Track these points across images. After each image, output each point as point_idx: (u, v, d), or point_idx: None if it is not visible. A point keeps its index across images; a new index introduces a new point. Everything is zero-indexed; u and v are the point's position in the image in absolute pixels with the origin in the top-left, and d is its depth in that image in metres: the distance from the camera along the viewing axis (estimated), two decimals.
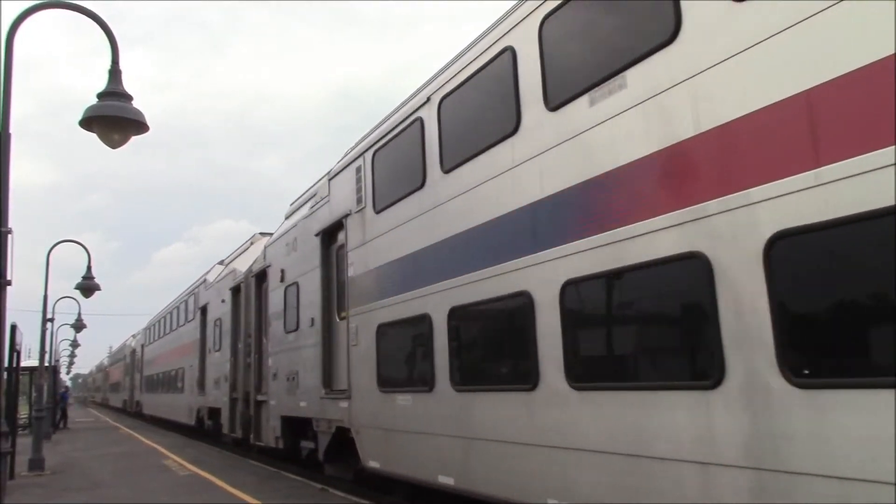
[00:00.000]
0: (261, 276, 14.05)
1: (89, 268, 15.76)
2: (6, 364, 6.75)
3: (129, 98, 5.95)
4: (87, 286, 15.73)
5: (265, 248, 13.73)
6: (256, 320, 14.36)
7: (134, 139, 6.12)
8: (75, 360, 62.79)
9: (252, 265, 14.94)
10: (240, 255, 17.79)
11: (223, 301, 17.23)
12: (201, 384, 19.87)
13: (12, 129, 5.67)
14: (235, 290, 16.19)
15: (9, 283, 5.51)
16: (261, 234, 17.19)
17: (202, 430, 20.57)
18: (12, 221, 5.64)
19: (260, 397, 13.69)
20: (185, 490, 11.08)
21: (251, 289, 14.69)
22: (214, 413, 18.36)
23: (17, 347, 13.94)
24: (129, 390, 41.75)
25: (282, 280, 12.18)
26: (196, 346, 20.66)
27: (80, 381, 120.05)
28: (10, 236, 5.53)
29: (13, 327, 11.75)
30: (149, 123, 6.03)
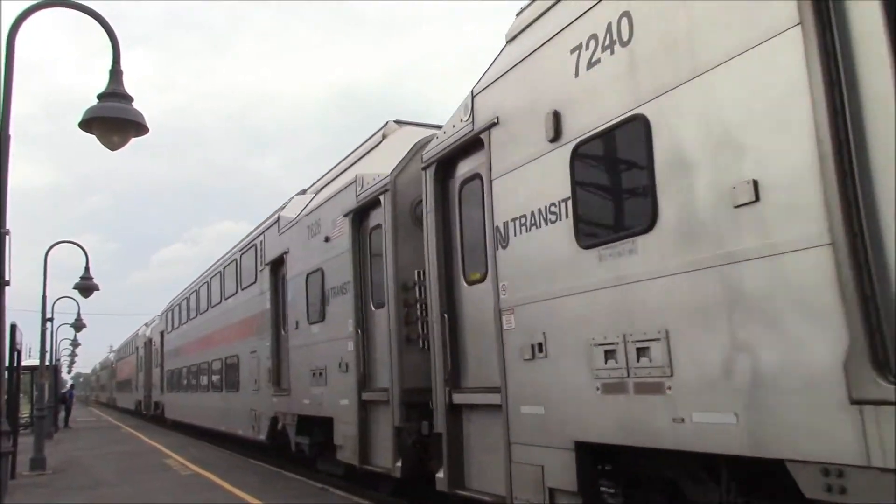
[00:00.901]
0: (448, 163, 7.22)
1: (87, 268, 15.81)
2: (7, 363, 6.75)
3: (129, 99, 5.93)
4: (86, 286, 15.79)
5: (472, 95, 6.66)
6: (442, 250, 7.26)
7: (135, 140, 6.11)
8: (76, 359, 62.91)
9: (427, 148, 7.63)
10: (360, 159, 10.53)
11: (326, 239, 10.24)
12: (277, 378, 12.60)
13: (13, 131, 5.69)
14: (360, 215, 9.28)
15: (7, 283, 5.53)
16: (396, 122, 10.24)
17: (280, 451, 13.14)
18: (12, 222, 5.65)
19: (462, 398, 6.85)
20: (186, 490, 11.09)
21: (426, 195, 7.43)
22: (312, 424, 10.92)
23: (18, 347, 13.96)
24: (145, 389, 33.25)
25: (555, 137, 5.36)
26: (262, 322, 13.42)
27: (80, 379, 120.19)
28: (8, 237, 5.54)
29: (13, 327, 11.76)
30: (149, 124, 6.01)
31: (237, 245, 16.33)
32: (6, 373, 6.49)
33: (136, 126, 5.88)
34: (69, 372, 69.47)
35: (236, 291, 15.86)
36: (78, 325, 25.40)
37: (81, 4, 6.25)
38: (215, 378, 17.90)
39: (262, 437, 13.35)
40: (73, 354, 53.79)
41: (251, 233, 15.19)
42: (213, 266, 19.03)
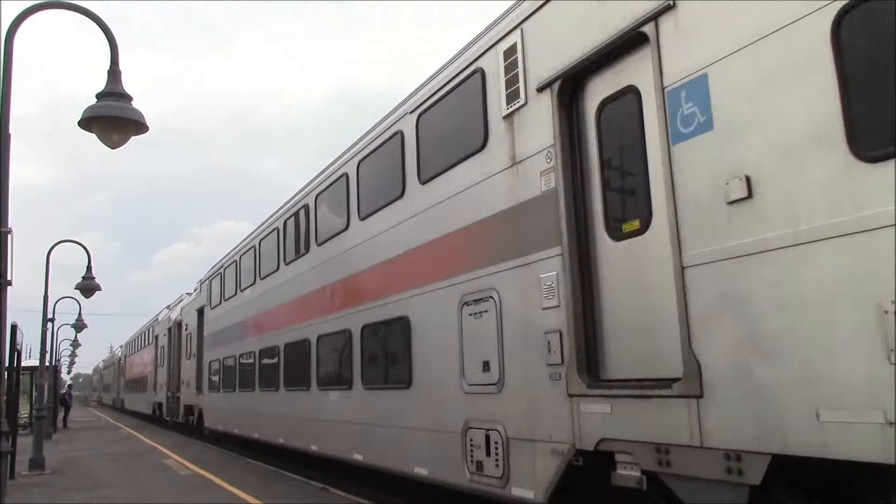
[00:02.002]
0: None
1: (89, 267, 15.78)
2: (7, 364, 6.76)
3: (128, 98, 5.96)
4: (87, 286, 15.75)
5: None
6: None
7: (137, 140, 6.14)
8: (76, 359, 62.88)
9: None
10: None
11: None
12: (586, 356, 5.49)
13: (14, 129, 5.72)
14: None
15: (9, 283, 5.54)
16: None
17: None
18: (13, 221, 5.66)
19: None
20: (185, 489, 11.09)
21: None
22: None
23: (18, 347, 13.96)
24: (169, 388, 25.79)
25: None
26: (514, 234, 6.33)
27: (80, 380, 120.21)
28: (10, 236, 5.55)
29: (14, 327, 11.76)
30: (151, 124, 6.06)
31: (405, 102, 8.66)
32: (6, 373, 6.50)
33: (135, 124, 5.91)
34: (69, 372, 69.46)
35: (400, 194, 8.43)
36: (79, 326, 25.36)
37: (80, 6, 6.28)
38: (332, 367, 10.61)
39: (533, 495, 5.89)
40: (73, 355, 53.77)
41: (456, 56, 7.60)
42: (319, 176, 11.40)
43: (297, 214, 12.30)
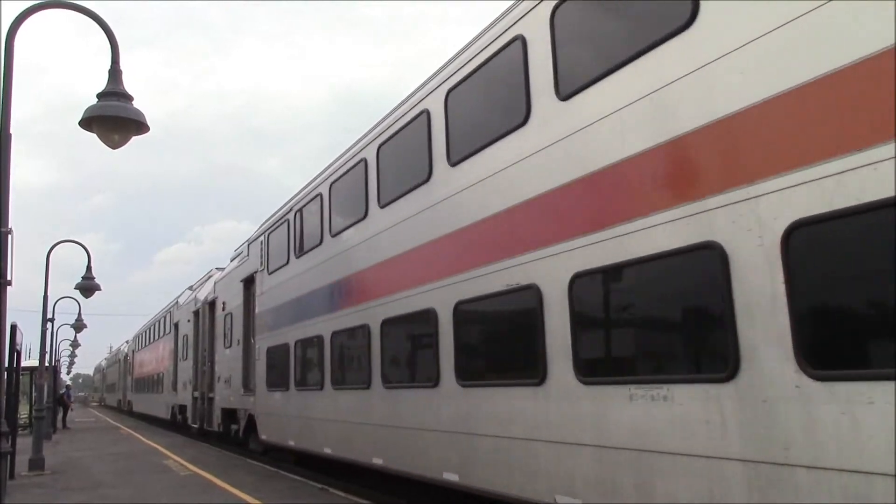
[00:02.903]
0: None
1: (89, 267, 15.78)
2: (6, 364, 6.76)
3: (129, 98, 5.95)
4: (87, 286, 15.74)
5: None
6: None
7: (138, 140, 6.13)
8: (75, 360, 62.80)
9: None
10: None
11: None
12: None
13: (15, 131, 5.70)
14: None
15: (9, 283, 5.52)
16: None
17: None
18: (14, 221, 5.66)
19: None
20: (185, 490, 11.08)
21: None
22: None
23: (18, 347, 13.95)
24: (196, 387, 20.64)
25: None
26: None
27: (80, 380, 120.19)
28: (10, 236, 5.54)
29: (13, 327, 11.75)
30: (153, 124, 6.04)
31: None
32: (5, 373, 6.50)
33: (136, 124, 5.89)
34: (68, 373, 69.39)
35: None
36: (78, 326, 25.35)
37: (80, 6, 6.27)
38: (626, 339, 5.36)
39: None
40: (72, 355, 53.74)
41: None
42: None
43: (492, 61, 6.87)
